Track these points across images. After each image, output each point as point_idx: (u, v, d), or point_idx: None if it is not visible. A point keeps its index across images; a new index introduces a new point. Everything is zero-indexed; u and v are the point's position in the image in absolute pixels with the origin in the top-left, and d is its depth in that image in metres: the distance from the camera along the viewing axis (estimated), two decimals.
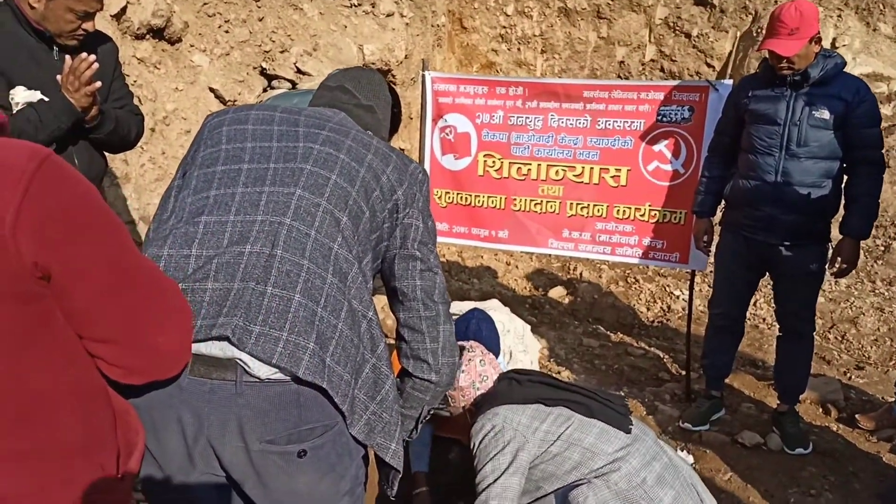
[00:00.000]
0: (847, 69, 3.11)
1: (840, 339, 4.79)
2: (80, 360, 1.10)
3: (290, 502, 1.46)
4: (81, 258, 1.04)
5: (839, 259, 3.12)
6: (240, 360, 1.35)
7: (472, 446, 2.22)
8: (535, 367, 3.77)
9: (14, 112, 2.33)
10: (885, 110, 5.84)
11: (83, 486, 1.08)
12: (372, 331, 1.53)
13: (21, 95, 2.39)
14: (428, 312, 1.68)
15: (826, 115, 3.00)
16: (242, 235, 1.43)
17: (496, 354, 3.03)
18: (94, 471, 1.10)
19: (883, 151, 3.07)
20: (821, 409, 3.82)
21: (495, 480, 2.10)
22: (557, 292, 5.60)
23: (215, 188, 1.51)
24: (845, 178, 3.15)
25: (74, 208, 1.03)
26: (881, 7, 6.13)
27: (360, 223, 1.54)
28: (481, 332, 2.95)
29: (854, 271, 5.64)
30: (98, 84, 2.41)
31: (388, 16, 6.24)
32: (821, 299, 4.88)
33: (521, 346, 3.66)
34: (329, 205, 1.49)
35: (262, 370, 1.36)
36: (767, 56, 3.08)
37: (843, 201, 3.15)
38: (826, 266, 3.24)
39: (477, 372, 2.35)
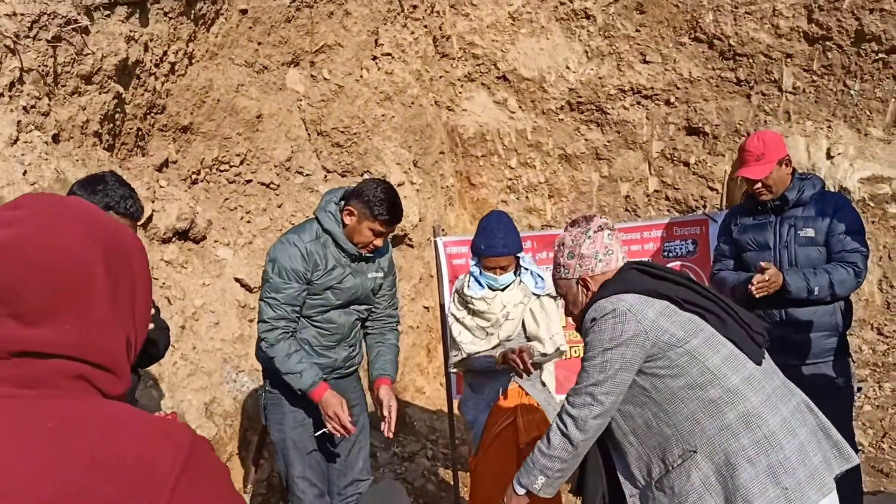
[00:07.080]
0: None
1: (894, 446, 4.59)
2: None
3: None
4: None
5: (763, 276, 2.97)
6: None
7: (583, 320, 2.08)
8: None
9: None
10: (892, 209, 5.91)
11: None
12: None
13: None
14: None
15: (811, 232, 3.10)
16: None
17: None
18: None
19: (864, 257, 3.05)
20: None
21: (604, 370, 1.98)
22: None
23: None
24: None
25: None
26: (868, 112, 6.35)
27: None
28: None
29: None
30: None
31: (399, 185, 6.61)
32: (867, 408, 4.74)
33: None
34: None
35: None
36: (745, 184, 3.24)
37: (853, 313, 3.16)
38: (853, 381, 3.21)
39: (603, 243, 2.16)
